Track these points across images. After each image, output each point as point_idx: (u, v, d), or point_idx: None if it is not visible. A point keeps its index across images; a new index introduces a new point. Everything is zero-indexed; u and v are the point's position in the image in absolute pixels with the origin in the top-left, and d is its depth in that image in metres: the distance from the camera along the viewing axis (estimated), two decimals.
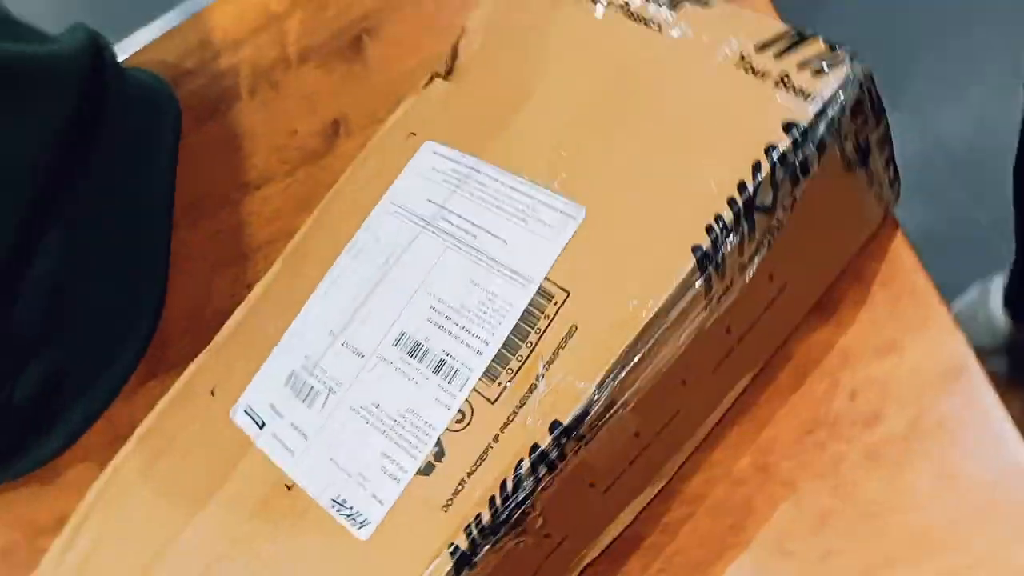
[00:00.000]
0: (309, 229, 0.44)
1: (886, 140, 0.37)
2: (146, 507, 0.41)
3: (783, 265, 0.36)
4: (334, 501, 0.36)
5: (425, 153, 0.41)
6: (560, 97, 0.39)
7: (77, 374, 0.53)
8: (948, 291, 0.40)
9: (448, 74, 0.43)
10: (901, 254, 0.39)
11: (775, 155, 0.33)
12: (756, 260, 0.34)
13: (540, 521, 0.35)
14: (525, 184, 0.38)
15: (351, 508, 0.35)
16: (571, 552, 0.38)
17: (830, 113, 0.33)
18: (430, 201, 0.40)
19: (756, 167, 0.33)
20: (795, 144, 0.33)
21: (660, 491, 0.40)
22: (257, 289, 0.44)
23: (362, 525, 0.35)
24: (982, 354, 0.37)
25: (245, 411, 0.40)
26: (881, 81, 0.35)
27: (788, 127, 0.33)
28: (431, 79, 0.44)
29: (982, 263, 1.01)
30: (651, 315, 0.33)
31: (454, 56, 0.43)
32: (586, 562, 0.39)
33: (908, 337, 0.38)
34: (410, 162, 0.41)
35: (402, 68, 0.57)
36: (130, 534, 0.41)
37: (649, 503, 0.40)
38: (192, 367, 0.44)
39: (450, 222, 0.39)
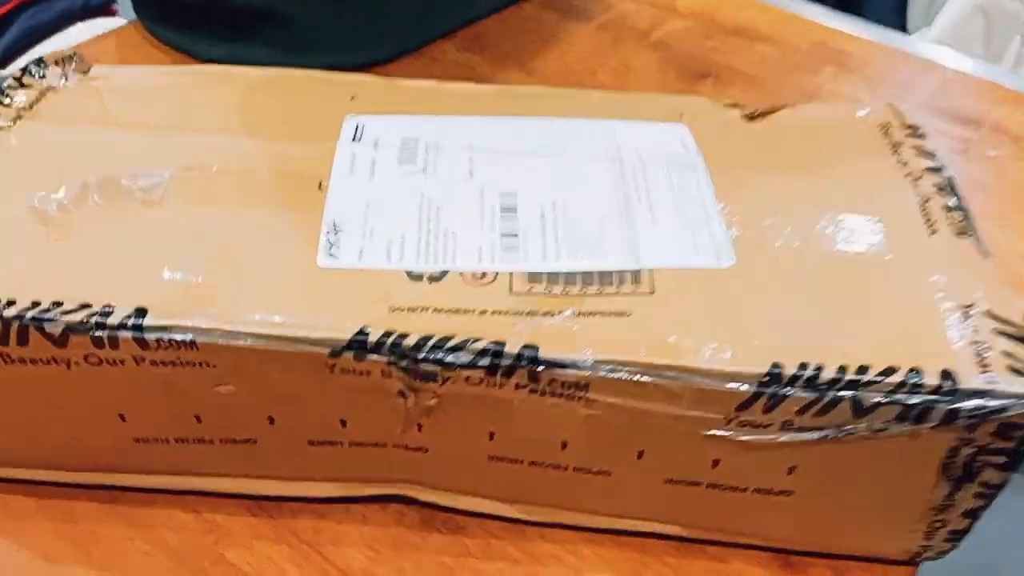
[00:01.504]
0: (552, 91, 0.44)
1: (989, 496, 0.33)
2: (216, 95, 0.41)
3: (810, 476, 0.33)
4: (333, 223, 0.35)
5: (675, 128, 0.40)
6: (808, 195, 0.37)
7: None
8: None
9: (751, 117, 0.43)
10: None
11: (912, 380, 0.30)
12: (802, 435, 0.31)
13: (432, 401, 0.32)
14: (714, 209, 0.36)
15: (337, 238, 0.34)
16: (417, 468, 0.36)
17: (986, 406, 0.30)
18: (638, 153, 0.39)
19: (889, 371, 0.30)
20: (936, 390, 0.30)
21: (516, 520, 0.37)
22: (467, 86, 0.44)
23: (330, 256, 0.34)
24: None
25: (356, 124, 0.40)
26: None
27: (945, 374, 0.30)
28: (735, 105, 0.43)
29: None
30: (690, 364, 0.31)
31: (771, 111, 0.43)
32: (413, 495, 0.37)
33: None
34: (659, 123, 0.41)
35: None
36: (187, 104, 0.41)
37: (500, 517, 0.37)
38: (364, 76, 0.44)
39: (635, 176, 0.38)
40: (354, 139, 0.39)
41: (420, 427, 0.34)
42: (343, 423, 0.34)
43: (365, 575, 0.36)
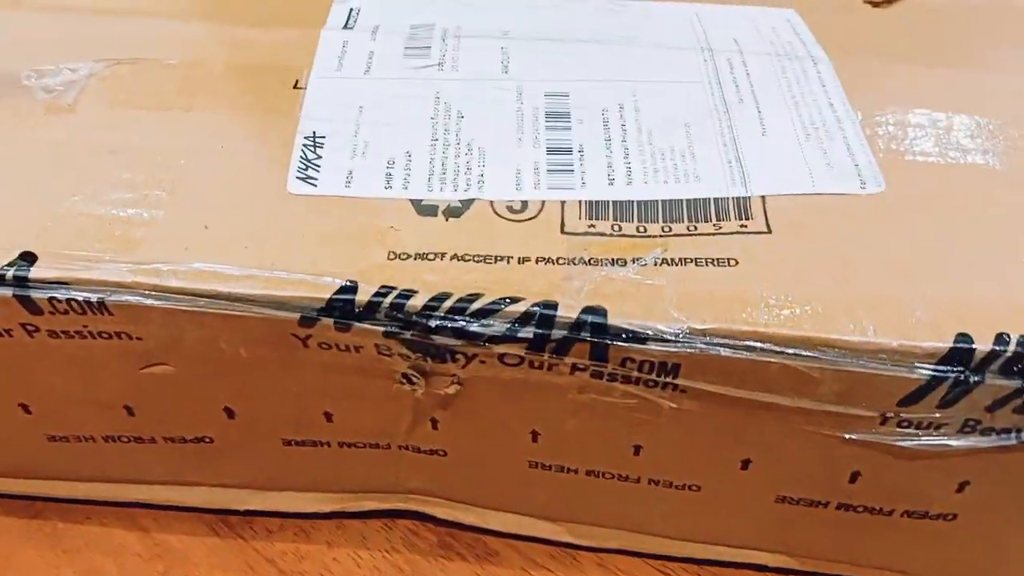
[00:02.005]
0: None
1: None
2: None
3: (987, 494, 0.23)
4: (313, 135, 0.25)
5: (781, 13, 0.30)
6: (973, 96, 0.27)
7: None
8: None
9: (876, 3, 0.32)
10: None
11: None
12: (989, 440, 0.21)
13: (451, 389, 0.23)
14: (847, 113, 0.26)
15: (316, 158, 0.24)
16: (433, 476, 0.26)
17: None
18: (735, 41, 0.28)
19: None
20: None
21: (565, 544, 0.27)
22: None
23: (306, 180, 0.24)
24: None
25: (349, 6, 0.29)
26: None
27: None
28: None
29: None
30: (835, 337, 0.20)
31: None
32: (427, 511, 0.27)
33: None
34: (758, 8, 0.30)
35: None
36: None
37: (544, 540, 0.27)
38: None
39: (733, 70, 0.27)
40: (345, 25, 0.29)
41: (435, 423, 0.24)
42: (327, 417, 0.24)
43: None
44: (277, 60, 0.27)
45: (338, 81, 0.26)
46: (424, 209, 0.23)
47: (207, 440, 0.26)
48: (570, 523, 0.27)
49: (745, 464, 0.24)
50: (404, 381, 0.23)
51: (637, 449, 0.24)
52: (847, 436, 0.22)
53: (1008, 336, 0.20)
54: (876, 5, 0.32)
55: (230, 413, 0.25)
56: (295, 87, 0.26)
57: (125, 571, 0.27)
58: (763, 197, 0.23)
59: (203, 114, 0.25)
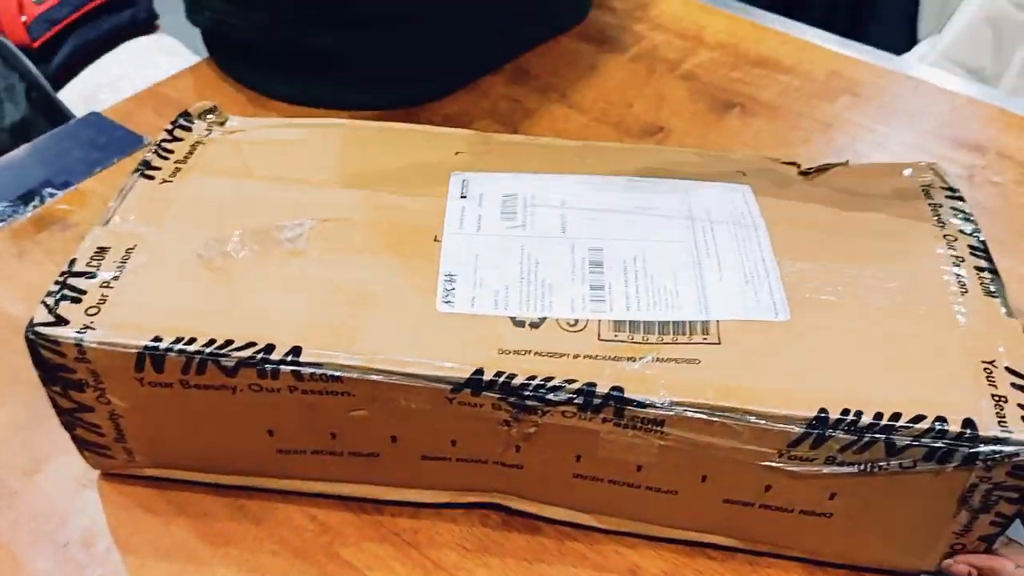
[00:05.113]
0: (629, 147, 0.50)
1: (1004, 524, 0.39)
2: (338, 149, 0.48)
3: (849, 501, 0.39)
4: (449, 274, 0.41)
5: (740, 188, 0.46)
6: (854, 254, 0.43)
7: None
8: None
9: (806, 174, 0.48)
10: None
11: (939, 427, 0.36)
12: (842, 468, 0.37)
13: (532, 429, 0.39)
14: (773, 266, 0.42)
15: (452, 287, 0.41)
16: (512, 481, 0.42)
17: (1002, 450, 0.36)
18: (707, 212, 0.45)
19: (918, 418, 0.36)
20: (958, 436, 0.36)
21: (593, 528, 0.43)
22: (554, 140, 0.51)
23: (448, 303, 0.40)
24: None
25: (463, 180, 0.46)
26: None
27: (967, 423, 0.36)
28: (792, 163, 0.49)
29: None
30: (750, 407, 0.37)
31: (824, 169, 0.48)
32: (507, 504, 0.43)
33: None
34: (727, 183, 0.47)
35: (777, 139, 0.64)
36: (315, 158, 0.48)
37: (579, 526, 0.43)
38: (463, 132, 0.51)
39: (704, 234, 0.44)
40: (461, 195, 0.45)
41: (518, 448, 0.40)
42: (453, 443, 0.41)
43: (457, 569, 0.42)
44: (422, 220, 0.44)
45: (461, 237, 0.43)
46: (518, 323, 0.40)
47: (375, 455, 0.42)
48: (597, 514, 0.43)
49: (704, 478, 0.40)
50: (504, 424, 0.39)
51: (639, 468, 0.40)
52: (760, 463, 0.38)
53: (849, 410, 0.37)
54: (807, 175, 0.48)
55: (394, 439, 0.41)
56: (435, 240, 0.43)
57: (305, 542, 0.43)
58: (717, 321, 0.40)
59: (382, 258, 0.42)
